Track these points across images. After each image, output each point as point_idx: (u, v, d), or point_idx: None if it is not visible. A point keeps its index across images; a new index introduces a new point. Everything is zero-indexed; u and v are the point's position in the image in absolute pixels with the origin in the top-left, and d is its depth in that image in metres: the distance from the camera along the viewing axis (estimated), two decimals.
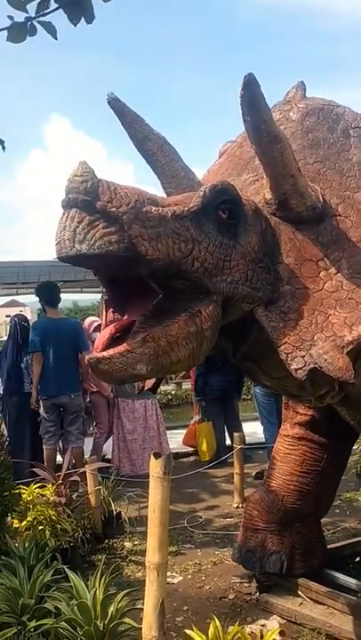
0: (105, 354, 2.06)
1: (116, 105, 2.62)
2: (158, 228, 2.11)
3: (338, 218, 2.50)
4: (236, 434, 5.95)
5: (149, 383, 2.85)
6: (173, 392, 13.24)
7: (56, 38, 5.71)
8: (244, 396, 9.43)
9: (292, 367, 2.22)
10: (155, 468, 2.40)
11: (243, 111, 2.22)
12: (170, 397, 13.02)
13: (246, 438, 7.29)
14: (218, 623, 2.57)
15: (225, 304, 2.30)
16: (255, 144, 2.33)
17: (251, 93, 2.15)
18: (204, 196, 2.22)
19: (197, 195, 2.25)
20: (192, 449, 7.77)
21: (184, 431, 8.02)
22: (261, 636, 2.71)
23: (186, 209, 2.19)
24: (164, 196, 2.69)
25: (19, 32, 5.26)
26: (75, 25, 5.73)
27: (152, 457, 2.44)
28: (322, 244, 2.44)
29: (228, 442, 7.01)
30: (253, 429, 7.67)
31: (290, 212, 2.43)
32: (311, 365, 2.20)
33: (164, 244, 2.11)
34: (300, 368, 2.22)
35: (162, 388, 13.30)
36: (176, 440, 8.01)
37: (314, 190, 2.46)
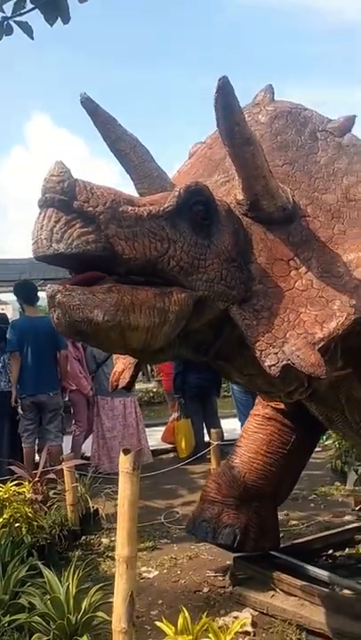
0: (67, 285, 2.07)
1: (89, 105, 2.63)
2: (135, 228, 2.15)
3: (307, 218, 2.56)
4: (213, 430, 6.00)
5: (123, 381, 2.88)
6: (155, 389, 13.29)
7: (32, 38, 5.74)
8: (225, 393, 9.52)
9: (266, 364, 2.28)
10: (124, 463, 2.45)
11: (216, 113, 2.26)
12: (151, 395, 13.07)
13: (225, 434, 7.35)
14: (187, 615, 2.63)
15: (201, 303, 2.34)
16: (228, 145, 2.37)
17: (224, 96, 2.20)
18: (179, 196, 2.27)
19: (172, 195, 2.30)
20: (171, 446, 7.83)
21: (164, 428, 8.09)
22: (229, 628, 2.75)
23: (161, 209, 2.24)
24: (138, 196, 2.74)
25: None
26: (51, 25, 5.76)
27: (121, 453, 2.48)
28: (292, 243, 2.50)
29: (206, 438, 7.09)
30: (232, 426, 7.74)
31: (261, 212, 2.48)
32: (284, 362, 2.25)
33: (140, 243, 2.15)
34: (274, 365, 2.27)
35: (143, 385, 13.37)
36: (157, 437, 8.07)
37: (284, 191, 2.52)
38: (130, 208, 2.15)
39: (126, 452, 2.48)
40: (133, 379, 2.80)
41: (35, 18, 5.13)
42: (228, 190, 2.63)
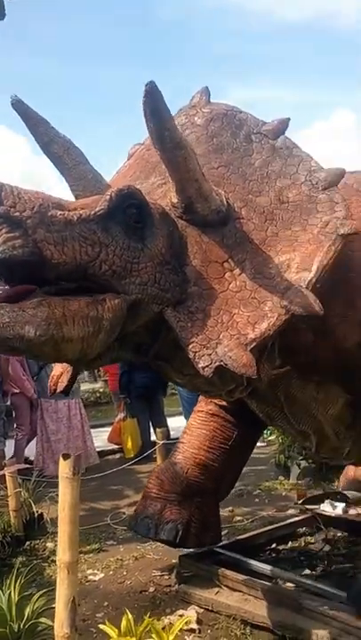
0: None
1: (20, 107, 2.60)
2: (64, 232, 2.14)
3: (241, 221, 2.59)
4: (158, 429, 6.02)
5: (61, 385, 2.86)
6: (101, 389, 13.21)
7: None
8: (173, 391, 9.56)
9: (200, 365, 2.31)
10: (64, 468, 2.43)
11: (146, 118, 2.27)
12: (98, 395, 12.99)
13: (172, 433, 7.40)
14: (130, 616, 2.64)
15: (135, 306, 2.36)
16: (159, 150, 2.39)
17: (152, 101, 2.21)
18: (111, 200, 2.28)
19: (104, 198, 2.30)
20: (117, 446, 7.81)
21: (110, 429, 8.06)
22: (172, 627, 2.78)
23: (92, 212, 2.24)
24: (73, 199, 2.72)
25: None
26: None
27: (61, 458, 2.46)
28: (227, 246, 2.53)
29: (153, 438, 7.10)
30: (179, 424, 7.77)
31: (195, 215, 2.51)
32: (217, 363, 2.29)
33: (70, 247, 2.14)
34: (207, 366, 2.31)
35: (90, 385, 13.27)
36: (103, 438, 8.04)
37: (218, 194, 2.55)
38: (59, 212, 2.14)
39: (66, 456, 2.47)
40: (71, 382, 2.77)
41: None
42: (165, 192, 2.64)
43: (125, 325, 2.35)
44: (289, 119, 2.82)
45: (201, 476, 3.73)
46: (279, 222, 2.58)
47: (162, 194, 2.66)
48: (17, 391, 6.77)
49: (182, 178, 2.44)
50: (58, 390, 2.82)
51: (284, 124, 2.79)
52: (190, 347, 2.34)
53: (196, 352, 2.33)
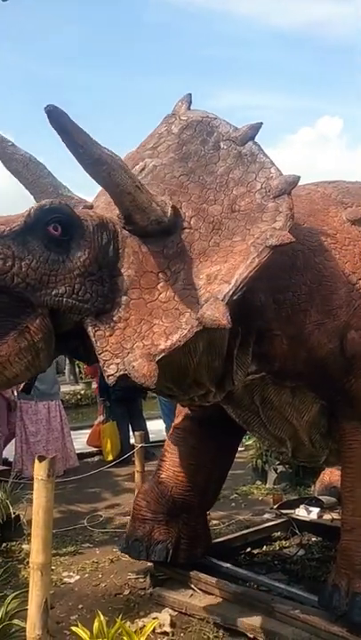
0: None
1: None
2: None
3: (187, 230, 2.60)
4: (137, 432, 6.02)
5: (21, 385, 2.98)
6: (83, 392, 13.18)
7: None
8: (153, 394, 9.55)
9: (107, 373, 2.40)
10: (38, 471, 2.43)
11: (61, 139, 2.34)
12: (79, 397, 12.96)
13: (152, 436, 7.41)
14: (102, 618, 2.66)
15: (53, 315, 2.45)
16: (82, 167, 2.46)
17: (57, 122, 2.27)
18: (28, 216, 2.40)
19: (22, 214, 2.42)
20: (97, 449, 7.81)
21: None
22: (143, 629, 2.80)
23: (8, 229, 2.36)
24: None
25: None
26: None
27: (36, 460, 2.47)
28: (165, 256, 2.56)
29: (132, 441, 7.10)
30: (158, 427, 7.80)
31: (135, 226, 2.56)
32: (121, 372, 2.37)
33: None
34: (112, 374, 2.39)
35: (71, 387, 13.23)
36: (83, 440, 8.02)
37: (160, 204, 2.57)
38: None
39: (42, 458, 2.47)
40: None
41: None
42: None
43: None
44: (260, 124, 2.76)
45: (185, 492, 3.77)
46: (224, 232, 2.57)
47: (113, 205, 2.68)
48: None
49: (113, 192, 2.51)
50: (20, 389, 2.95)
51: (254, 130, 2.74)
52: (102, 355, 2.43)
53: (106, 360, 2.41)
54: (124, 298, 2.49)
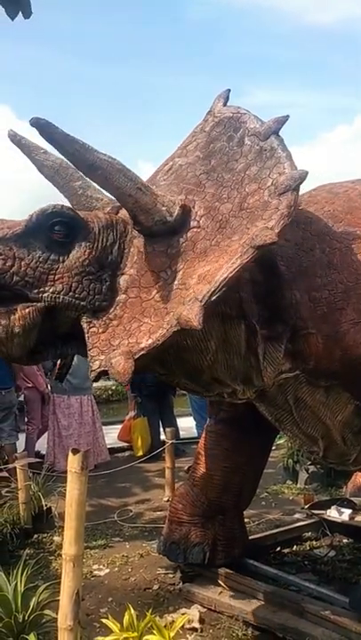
0: None
1: (14, 139, 2.82)
2: None
3: (195, 230, 2.59)
4: (168, 429, 6.06)
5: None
6: (114, 387, 13.26)
7: None
8: (184, 392, 9.57)
9: (91, 369, 2.47)
10: (72, 463, 2.47)
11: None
12: (110, 393, 13.05)
13: (182, 433, 7.45)
14: (132, 612, 2.67)
15: (51, 312, 2.55)
16: (81, 172, 2.63)
17: (46, 134, 2.38)
18: (30, 220, 2.54)
19: (25, 219, 2.56)
20: (127, 444, 7.86)
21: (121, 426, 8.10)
22: (173, 624, 2.80)
23: (11, 232, 2.52)
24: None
25: None
26: (12, 19, 5.74)
27: (70, 453, 2.50)
28: (168, 255, 2.57)
29: (163, 437, 7.13)
30: (190, 424, 7.81)
31: (141, 226, 2.60)
32: (102, 368, 2.42)
33: None
34: (94, 370, 2.45)
35: (102, 383, 13.31)
36: (113, 435, 8.08)
37: (167, 204, 2.58)
38: None
39: (75, 451, 2.50)
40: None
41: None
42: None
43: (56, 327, 2.60)
44: (286, 117, 2.64)
45: (221, 495, 3.78)
46: (228, 231, 2.51)
47: None
48: (30, 385, 6.85)
49: (114, 194, 2.59)
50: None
51: (278, 124, 2.61)
52: (91, 351, 2.50)
53: (93, 356, 2.48)
54: (122, 296, 2.56)
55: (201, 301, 2.28)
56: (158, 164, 3.10)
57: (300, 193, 3.43)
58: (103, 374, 2.42)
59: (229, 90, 3.03)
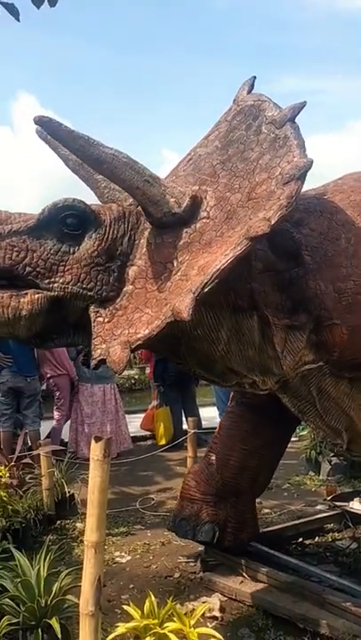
0: None
1: (42, 135, 2.85)
2: None
3: (204, 220, 2.58)
4: (190, 418, 6.06)
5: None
6: (137, 376, 13.33)
7: (19, 20, 5.72)
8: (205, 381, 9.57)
9: (92, 357, 2.53)
10: (95, 451, 2.48)
11: None
12: (133, 382, 13.12)
13: (204, 423, 7.44)
14: (153, 599, 2.69)
15: (59, 301, 2.61)
16: (89, 167, 2.70)
17: (49, 131, 2.47)
18: (42, 213, 2.61)
19: (38, 213, 2.63)
20: (150, 433, 7.89)
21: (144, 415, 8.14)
22: (194, 612, 2.82)
23: (24, 225, 2.60)
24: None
25: None
26: (37, 7, 5.73)
27: (92, 440, 2.51)
28: (176, 246, 2.58)
29: (185, 426, 7.14)
30: (212, 414, 7.81)
31: (151, 217, 2.61)
32: (100, 357, 2.47)
33: None
34: (95, 357, 2.50)
35: (125, 372, 13.34)
36: (135, 424, 8.13)
37: (177, 196, 2.59)
38: None
39: (98, 439, 2.51)
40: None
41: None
42: None
43: (66, 316, 2.66)
44: (303, 104, 2.58)
45: (236, 476, 3.76)
46: (233, 221, 2.48)
47: None
48: (61, 372, 6.91)
49: (122, 186, 2.62)
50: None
51: (294, 111, 2.55)
52: (95, 340, 2.54)
53: (96, 345, 2.52)
54: (129, 287, 2.59)
55: (194, 293, 2.29)
56: (182, 153, 3.10)
57: (327, 182, 3.41)
58: (102, 362, 2.47)
59: (255, 77, 2.98)
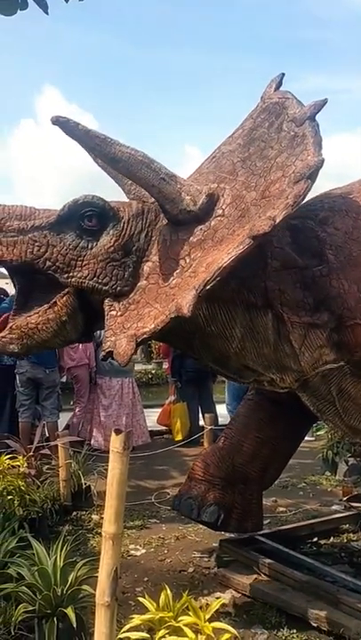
0: None
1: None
2: (17, 237, 2.67)
3: (219, 218, 2.61)
4: (207, 415, 6.07)
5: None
6: (154, 371, 13.36)
7: (47, 13, 5.74)
8: (223, 378, 9.55)
9: (102, 348, 2.62)
10: (114, 443, 2.49)
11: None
12: (150, 376, 13.15)
13: (220, 419, 7.43)
14: (169, 592, 2.70)
15: (80, 295, 2.72)
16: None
17: (66, 130, 2.53)
18: (63, 210, 2.71)
19: (59, 209, 2.72)
20: (166, 428, 7.91)
21: (160, 410, 8.16)
22: (208, 607, 2.82)
23: (45, 221, 2.70)
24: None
25: (10, 5, 5.29)
26: (66, 1, 5.75)
27: (113, 432, 2.52)
28: (190, 243, 2.62)
29: (201, 422, 7.15)
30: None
31: (168, 214, 2.67)
32: (109, 349, 2.55)
33: (19, 248, 2.67)
34: (105, 349, 2.59)
35: (142, 366, 13.44)
36: (152, 419, 8.15)
37: (193, 194, 2.63)
38: (16, 222, 2.74)
39: (118, 431, 2.52)
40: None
41: None
42: None
43: (93, 308, 2.75)
44: (325, 101, 2.58)
45: (246, 463, 3.76)
46: (245, 219, 2.50)
47: None
48: (83, 363, 6.96)
49: (138, 184, 2.70)
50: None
51: (315, 108, 2.56)
52: (106, 332, 2.63)
53: (107, 337, 2.61)
54: (143, 282, 2.66)
55: (196, 290, 2.33)
56: (204, 149, 3.13)
57: (353, 181, 3.38)
58: (109, 355, 2.54)
59: (283, 74, 2.97)
